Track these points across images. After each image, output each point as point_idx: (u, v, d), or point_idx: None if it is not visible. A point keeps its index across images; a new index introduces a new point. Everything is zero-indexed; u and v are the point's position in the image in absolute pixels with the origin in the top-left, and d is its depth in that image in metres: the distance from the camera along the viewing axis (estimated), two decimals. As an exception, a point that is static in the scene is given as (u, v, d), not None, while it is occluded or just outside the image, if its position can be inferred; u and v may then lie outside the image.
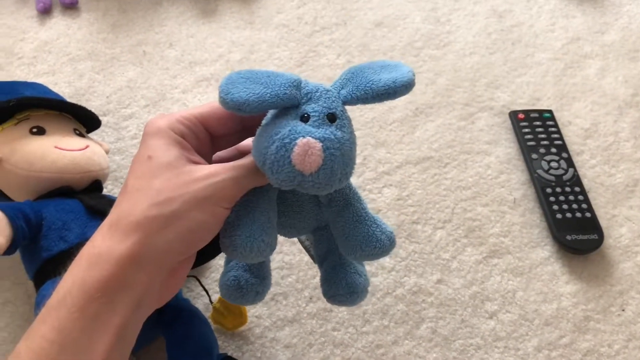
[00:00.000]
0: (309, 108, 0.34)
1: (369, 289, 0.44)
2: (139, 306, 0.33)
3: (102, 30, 0.87)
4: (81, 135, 0.61)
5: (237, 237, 0.35)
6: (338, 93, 0.36)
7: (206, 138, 0.39)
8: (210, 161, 0.40)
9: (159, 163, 0.34)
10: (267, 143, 0.34)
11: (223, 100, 0.33)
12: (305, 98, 0.35)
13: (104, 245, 0.33)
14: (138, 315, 0.34)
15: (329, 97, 0.35)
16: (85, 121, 0.63)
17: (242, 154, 0.41)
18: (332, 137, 0.33)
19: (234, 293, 0.41)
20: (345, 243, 0.39)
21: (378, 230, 0.39)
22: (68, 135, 0.58)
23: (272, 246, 0.37)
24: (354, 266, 0.42)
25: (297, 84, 0.35)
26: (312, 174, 0.33)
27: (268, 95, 0.33)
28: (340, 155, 0.34)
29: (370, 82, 0.35)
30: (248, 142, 0.41)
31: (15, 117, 0.57)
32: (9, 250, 0.49)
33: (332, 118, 0.34)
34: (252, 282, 0.40)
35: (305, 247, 0.50)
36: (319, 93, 0.35)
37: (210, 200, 0.34)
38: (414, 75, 0.36)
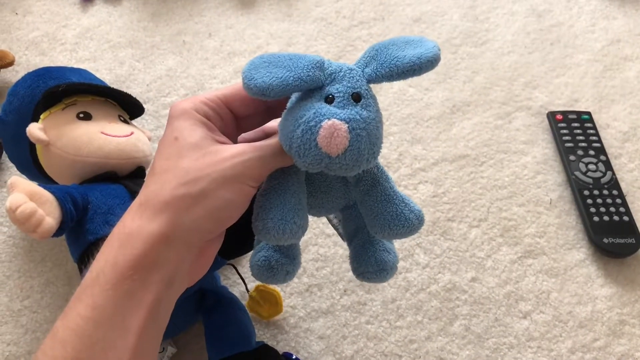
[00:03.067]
0: (332, 89, 0.34)
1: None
2: (170, 284, 0.34)
3: (142, 19, 0.88)
4: (125, 122, 0.62)
5: (269, 221, 0.35)
6: (362, 72, 0.35)
7: (230, 119, 0.39)
8: (235, 142, 0.40)
9: (185, 144, 0.35)
10: (293, 127, 0.33)
11: (247, 86, 0.33)
12: (329, 79, 0.34)
13: (134, 225, 0.33)
14: (170, 294, 0.35)
15: (352, 77, 0.35)
16: (129, 108, 0.64)
17: (267, 135, 0.41)
18: (358, 117, 0.33)
19: (265, 273, 0.40)
20: (373, 222, 0.39)
21: (406, 209, 0.38)
22: (113, 122, 0.59)
23: (304, 228, 0.37)
24: (383, 243, 0.42)
25: (320, 65, 0.34)
26: (339, 155, 0.33)
27: (291, 78, 0.33)
28: (366, 136, 0.33)
29: (395, 59, 0.34)
30: (273, 123, 0.41)
31: (63, 102, 0.58)
32: (58, 232, 0.49)
33: (357, 98, 0.34)
34: (282, 262, 0.40)
35: (333, 225, 0.50)
36: (342, 73, 0.35)
37: (237, 178, 0.34)
38: (439, 50, 0.35)
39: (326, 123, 0.32)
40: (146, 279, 0.33)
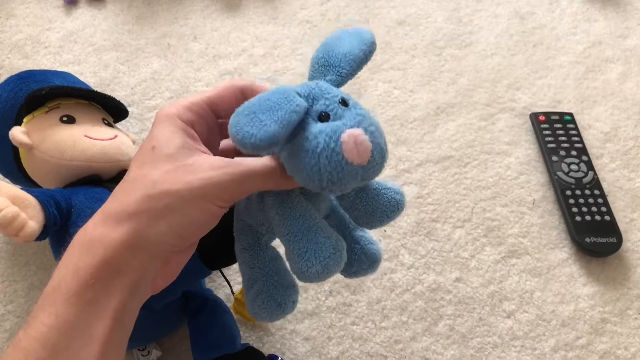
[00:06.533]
0: (320, 107, 0.33)
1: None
2: (134, 292, 0.33)
3: (127, 22, 0.88)
4: (109, 125, 0.61)
5: (326, 259, 0.33)
6: (326, 81, 0.35)
7: (215, 124, 0.38)
8: (218, 148, 0.40)
9: (161, 154, 0.34)
10: (314, 161, 0.32)
11: (253, 145, 0.30)
12: (309, 101, 0.33)
13: (96, 232, 0.33)
14: (134, 301, 0.34)
15: (326, 89, 0.34)
16: (113, 111, 0.64)
17: None
18: (360, 117, 0.32)
19: (275, 312, 0.38)
20: (370, 218, 0.39)
21: (392, 193, 0.39)
22: (97, 125, 0.59)
23: (343, 248, 0.35)
24: (365, 237, 0.42)
25: (295, 92, 0.33)
26: (369, 160, 0.32)
27: (287, 114, 0.31)
28: (377, 130, 0.33)
29: (348, 55, 0.35)
30: None
31: (46, 105, 0.58)
32: (41, 236, 0.49)
33: (344, 103, 0.33)
34: (287, 293, 0.39)
35: None
36: (315, 90, 0.34)
37: (205, 198, 0.33)
38: (370, 29, 0.37)
39: (344, 136, 0.31)
40: (108, 285, 0.32)
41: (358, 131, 0.31)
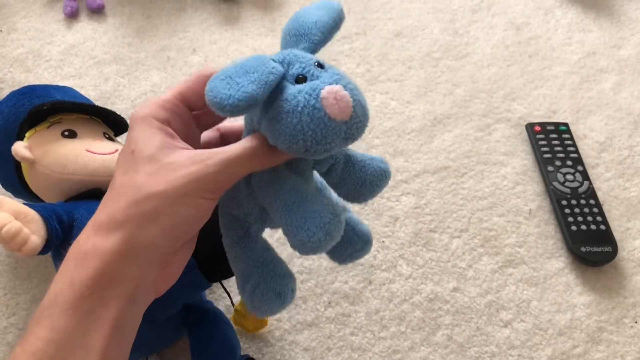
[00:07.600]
0: (296, 70, 0.33)
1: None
2: (133, 300, 0.33)
3: (127, 35, 0.89)
4: (110, 139, 0.62)
5: (329, 225, 0.32)
6: (300, 50, 0.35)
7: (191, 118, 0.38)
8: (199, 141, 0.40)
9: (141, 157, 0.33)
10: (295, 119, 0.31)
11: (228, 106, 0.30)
12: (284, 65, 0.33)
13: (88, 244, 0.33)
14: (134, 309, 0.34)
15: (300, 54, 0.34)
16: (113, 125, 0.65)
17: (223, 136, 0.41)
18: (338, 76, 0.32)
19: (275, 303, 0.37)
20: (361, 190, 0.40)
21: (377, 162, 0.40)
22: (98, 139, 0.60)
23: (341, 213, 0.34)
24: (353, 218, 0.42)
25: (269, 58, 0.33)
26: (352, 116, 0.31)
27: (264, 76, 0.31)
28: (355, 87, 0.32)
29: (318, 23, 0.35)
30: (227, 123, 0.41)
31: (48, 120, 0.58)
32: (43, 250, 0.50)
33: (320, 66, 0.33)
34: (284, 282, 0.38)
35: None
36: (290, 56, 0.33)
37: (192, 194, 0.33)
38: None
39: (324, 92, 0.31)
40: (105, 296, 0.32)
41: (337, 87, 0.31)
